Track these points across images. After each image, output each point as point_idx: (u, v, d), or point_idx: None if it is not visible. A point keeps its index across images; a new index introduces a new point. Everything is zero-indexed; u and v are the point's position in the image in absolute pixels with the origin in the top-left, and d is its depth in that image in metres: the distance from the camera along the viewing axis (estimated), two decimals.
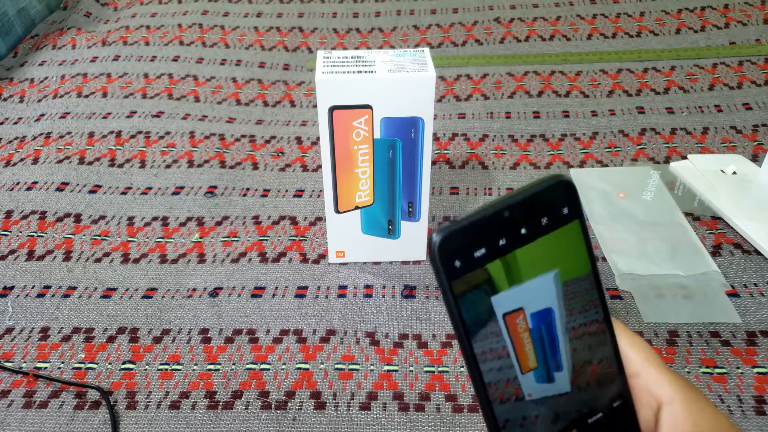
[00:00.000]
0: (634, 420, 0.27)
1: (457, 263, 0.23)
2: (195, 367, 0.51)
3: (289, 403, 0.49)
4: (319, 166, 0.73)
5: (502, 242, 0.23)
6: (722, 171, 0.68)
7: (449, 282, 0.23)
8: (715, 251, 0.59)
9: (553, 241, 0.24)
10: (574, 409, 0.26)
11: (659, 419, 0.26)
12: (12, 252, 0.62)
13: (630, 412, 0.27)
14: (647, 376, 0.27)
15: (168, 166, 0.73)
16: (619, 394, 0.27)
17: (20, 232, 0.65)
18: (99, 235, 0.64)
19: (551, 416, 0.25)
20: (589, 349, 0.26)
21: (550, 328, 0.25)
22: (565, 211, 0.24)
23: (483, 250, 0.23)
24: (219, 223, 0.65)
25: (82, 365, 0.52)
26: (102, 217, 0.66)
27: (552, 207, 0.24)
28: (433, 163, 0.73)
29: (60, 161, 0.74)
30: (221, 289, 0.58)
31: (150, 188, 0.70)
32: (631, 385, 0.27)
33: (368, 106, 0.51)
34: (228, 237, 0.63)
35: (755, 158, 0.71)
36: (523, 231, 0.24)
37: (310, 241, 0.63)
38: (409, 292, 0.57)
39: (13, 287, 0.59)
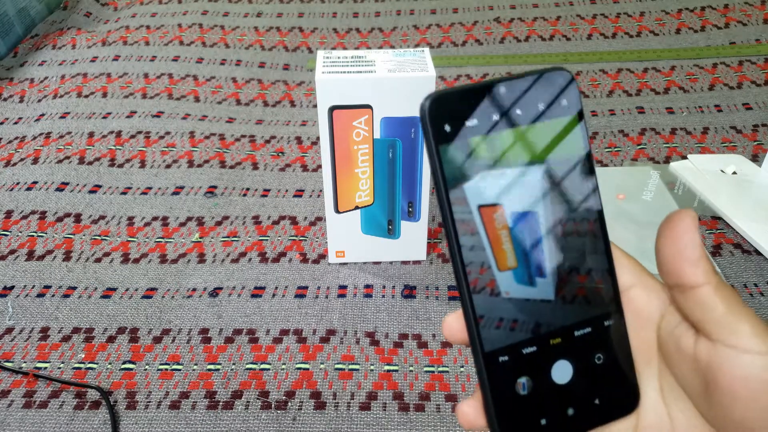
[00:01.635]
0: (625, 339, 0.25)
1: (447, 128, 0.22)
2: (195, 367, 0.51)
3: (289, 403, 0.49)
4: (319, 166, 0.73)
5: (495, 117, 0.23)
6: (722, 171, 0.68)
7: (437, 145, 0.22)
8: (715, 251, 0.59)
9: (548, 131, 0.24)
10: (558, 318, 0.25)
11: (665, 322, 0.24)
12: (12, 252, 0.62)
13: (621, 331, 0.25)
14: (645, 283, 0.25)
15: (168, 166, 0.73)
16: (610, 311, 0.25)
17: (20, 232, 0.65)
18: (99, 235, 0.64)
19: (531, 320, 0.24)
20: (579, 256, 0.25)
21: (533, 230, 0.24)
22: (564, 102, 0.24)
23: (475, 121, 0.23)
24: (219, 223, 0.65)
25: (82, 365, 0.52)
26: (102, 217, 0.66)
27: (550, 94, 0.24)
28: None
29: (60, 161, 0.74)
30: (221, 289, 0.58)
31: (150, 188, 0.70)
32: (628, 299, 0.25)
33: (368, 106, 0.51)
34: (228, 237, 0.64)
35: (755, 158, 0.71)
36: (518, 111, 0.23)
37: (310, 241, 0.63)
38: (409, 292, 0.57)
39: (13, 287, 0.59)
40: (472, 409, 0.25)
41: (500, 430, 0.24)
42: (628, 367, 0.25)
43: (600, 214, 0.25)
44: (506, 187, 0.24)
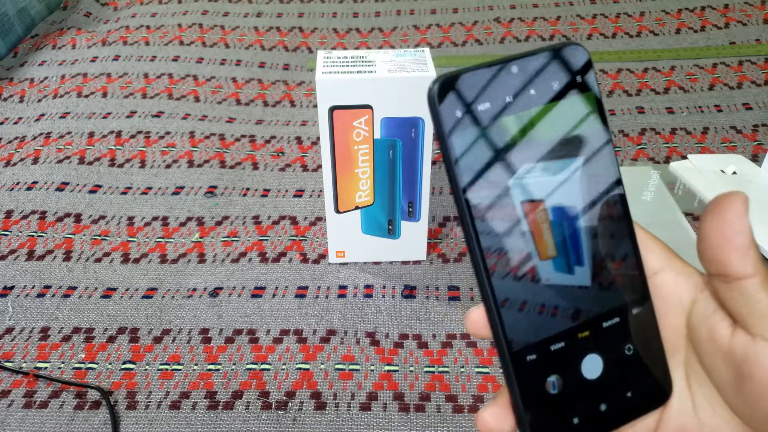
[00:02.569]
0: (655, 327, 0.24)
1: (458, 112, 0.21)
2: (195, 367, 0.51)
3: (290, 404, 0.49)
4: (319, 166, 0.73)
5: (508, 99, 0.22)
6: (722, 171, 0.68)
7: (447, 131, 0.21)
8: None
9: (565, 111, 0.22)
10: (584, 310, 0.23)
11: (698, 306, 0.23)
12: (12, 252, 0.62)
13: (650, 319, 0.24)
14: (674, 266, 0.24)
15: (168, 166, 0.73)
16: (638, 299, 0.24)
17: (20, 232, 0.65)
18: (99, 235, 0.64)
19: (557, 314, 0.23)
20: (602, 242, 0.23)
21: (555, 218, 0.23)
22: (579, 79, 0.23)
23: (487, 104, 0.21)
24: (219, 223, 0.65)
25: (82, 365, 0.52)
26: (102, 217, 0.66)
27: (564, 71, 0.22)
28: (433, 163, 0.73)
29: (60, 161, 0.74)
30: (221, 289, 0.58)
31: (150, 188, 0.70)
32: (656, 284, 0.24)
33: (368, 106, 0.51)
34: (228, 237, 0.63)
35: (755, 158, 0.71)
36: (532, 91, 0.22)
37: (310, 241, 0.63)
38: (409, 292, 0.57)
39: (13, 287, 0.59)
40: (492, 417, 0.23)
41: None
42: (658, 357, 0.24)
43: (622, 196, 0.24)
44: (525, 173, 0.22)
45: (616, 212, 0.24)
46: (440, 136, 0.21)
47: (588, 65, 0.23)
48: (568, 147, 0.23)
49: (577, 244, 0.23)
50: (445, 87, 0.21)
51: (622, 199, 0.24)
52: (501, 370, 0.50)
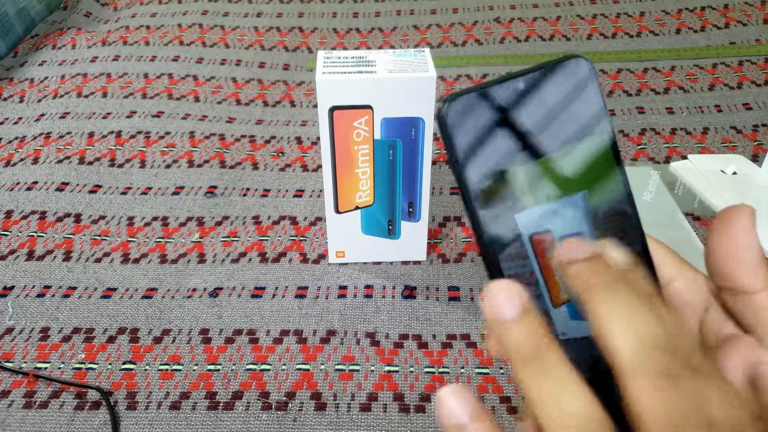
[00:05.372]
0: None
1: (469, 132, 0.21)
2: (195, 367, 0.51)
3: (290, 404, 0.49)
4: (319, 166, 0.73)
5: (518, 117, 0.22)
6: (722, 171, 0.68)
7: (459, 150, 0.21)
8: None
9: (572, 124, 0.23)
10: None
11: (709, 316, 0.23)
12: (12, 252, 0.62)
13: None
14: (686, 275, 0.24)
15: (168, 166, 0.73)
16: None
17: (20, 232, 0.65)
18: (99, 235, 0.64)
19: (568, 331, 0.23)
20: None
21: (568, 227, 0.23)
22: (585, 93, 0.23)
23: (497, 122, 0.22)
24: (219, 223, 0.65)
25: (82, 365, 0.52)
26: (102, 217, 0.66)
27: (568, 85, 0.22)
28: (433, 163, 0.73)
29: (60, 161, 0.74)
30: (221, 289, 0.58)
31: (150, 188, 0.70)
32: (669, 293, 0.24)
33: (368, 107, 0.51)
34: (228, 237, 0.63)
35: (755, 158, 0.71)
36: (541, 108, 0.22)
37: (310, 241, 0.63)
38: (409, 293, 0.57)
39: (13, 287, 0.59)
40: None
41: None
42: None
43: (632, 204, 0.24)
44: (539, 189, 0.23)
45: (628, 222, 0.24)
46: (451, 155, 0.22)
47: (592, 77, 0.23)
48: (578, 160, 0.23)
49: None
50: (455, 106, 0.21)
51: (633, 207, 0.24)
52: (501, 371, 0.50)
